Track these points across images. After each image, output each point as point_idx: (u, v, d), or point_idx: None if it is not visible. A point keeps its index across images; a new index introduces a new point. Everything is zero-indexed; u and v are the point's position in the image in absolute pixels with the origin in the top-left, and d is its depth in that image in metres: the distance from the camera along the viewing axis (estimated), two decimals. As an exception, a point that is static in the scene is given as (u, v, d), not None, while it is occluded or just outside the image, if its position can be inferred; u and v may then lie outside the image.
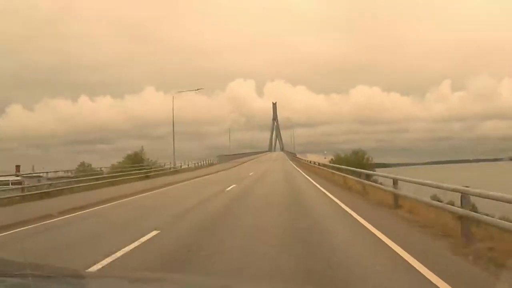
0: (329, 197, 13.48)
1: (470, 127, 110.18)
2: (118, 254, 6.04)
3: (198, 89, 41.79)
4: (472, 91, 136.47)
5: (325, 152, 55.99)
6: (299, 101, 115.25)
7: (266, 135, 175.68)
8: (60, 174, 23.40)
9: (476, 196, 6.00)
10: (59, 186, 19.09)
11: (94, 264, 5.39)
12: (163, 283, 2.06)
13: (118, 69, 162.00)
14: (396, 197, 9.94)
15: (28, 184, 18.63)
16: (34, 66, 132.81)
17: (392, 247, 5.83)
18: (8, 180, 22.99)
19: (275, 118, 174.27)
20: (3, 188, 17.68)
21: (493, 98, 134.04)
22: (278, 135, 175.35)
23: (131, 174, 26.03)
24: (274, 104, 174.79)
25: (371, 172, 17.74)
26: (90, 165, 32.33)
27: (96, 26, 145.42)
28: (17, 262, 2.04)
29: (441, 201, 8.86)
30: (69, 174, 24.06)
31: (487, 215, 6.77)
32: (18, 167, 28.54)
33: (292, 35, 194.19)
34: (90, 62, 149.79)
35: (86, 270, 3.96)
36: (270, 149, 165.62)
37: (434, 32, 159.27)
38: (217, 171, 35.09)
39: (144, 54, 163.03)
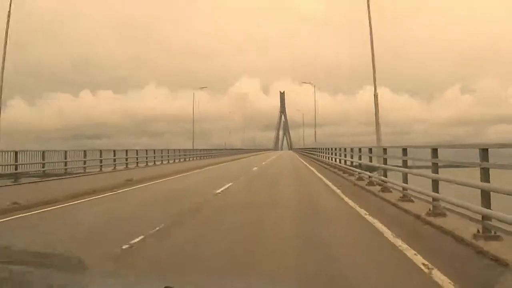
0: None
1: (477, 131, 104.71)
2: None
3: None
4: (481, 94, 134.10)
5: None
6: (305, 101, 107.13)
7: (273, 134, 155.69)
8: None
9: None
10: None
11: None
12: (166, 275, 2.41)
13: (122, 68, 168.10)
14: None
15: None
16: (36, 63, 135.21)
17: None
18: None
19: (282, 110, 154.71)
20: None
21: (502, 102, 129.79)
22: (286, 132, 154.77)
23: None
24: (282, 94, 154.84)
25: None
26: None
27: (99, 27, 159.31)
28: (19, 251, 2.27)
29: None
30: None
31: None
32: None
33: (300, 36, 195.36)
34: (95, 61, 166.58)
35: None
36: (276, 147, 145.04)
37: (441, 33, 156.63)
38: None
39: (147, 53, 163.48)
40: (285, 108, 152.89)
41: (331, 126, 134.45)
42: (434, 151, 7.07)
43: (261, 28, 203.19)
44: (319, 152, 32.50)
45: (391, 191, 10.11)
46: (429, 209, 6.91)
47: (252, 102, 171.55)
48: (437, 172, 7.05)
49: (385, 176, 11.01)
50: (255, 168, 23.57)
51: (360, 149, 15.29)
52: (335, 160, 21.71)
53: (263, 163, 31.75)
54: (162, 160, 30.66)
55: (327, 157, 25.63)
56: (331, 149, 24.18)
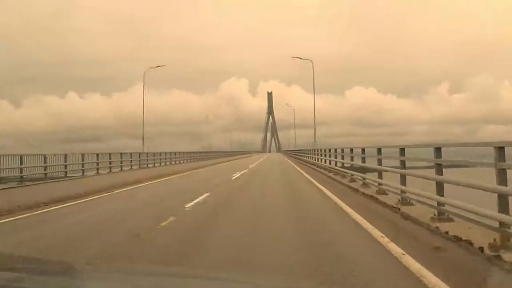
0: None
1: (471, 131, 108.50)
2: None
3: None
4: (473, 93, 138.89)
5: None
6: (293, 101, 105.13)
7: (260, 136, 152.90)
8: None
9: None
10: None
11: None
12: (158, 277, 2.03)
13: (109, 65, 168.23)
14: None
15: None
16: (25, 61, 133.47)
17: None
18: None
19: (270, 112, 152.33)
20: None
21: (495, 101, 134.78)
22: (275, 133, 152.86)
23: None
24: (270, 94, 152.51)
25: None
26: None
27: (90, 21, 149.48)
28: (8, 255, 2.22)
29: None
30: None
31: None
32: None
33: (288, 33, 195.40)
34: (84, 57, 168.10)
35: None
36: (264, 149, 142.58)
37: (434, 32, 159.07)
38: None
39: (138, 51, 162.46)
40: (272, 109, 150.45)
41: (320, 126, 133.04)
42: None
43: (252, 25, 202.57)
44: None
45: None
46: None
47: (240, 103, 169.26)
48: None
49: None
50: (192, 203, 9.54)
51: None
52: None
53: (233, 176, 19.00)
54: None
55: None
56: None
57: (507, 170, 4.88)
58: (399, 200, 8.68)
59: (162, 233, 6.45)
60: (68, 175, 20.58)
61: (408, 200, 8.53)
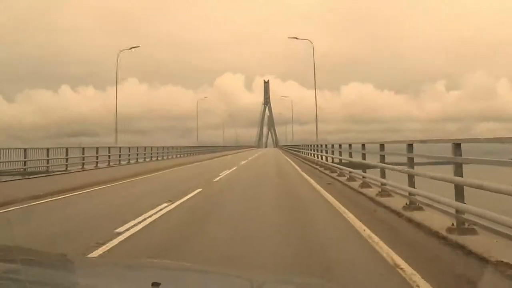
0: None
1: (465, 128, 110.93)
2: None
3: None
4: (468, 91, 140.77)
5: None
6: (289, 97, 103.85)
7: (256, 131, 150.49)
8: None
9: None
10: None
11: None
12: (155, 270, 2.04)
13: (104, 62, 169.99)
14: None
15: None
16: (17, 57, 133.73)
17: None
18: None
19: (266, 102, 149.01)
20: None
21: (490, 99, 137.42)
22: (272, 127, 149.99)
23: None
24: (266, 83, 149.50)
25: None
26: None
27: (83, 18, 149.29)
28: (4, 246, 2.11)
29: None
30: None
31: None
32: None
33: (284, 29, 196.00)
34: (77, 55, 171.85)
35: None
36: (260, 144, 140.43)
37: (429, 29, 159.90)
38: None
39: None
40: (269, 100, 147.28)
41: (313, 123, 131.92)
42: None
43: (247, 22, 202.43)
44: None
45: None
46: None
47: (236, 98, 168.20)
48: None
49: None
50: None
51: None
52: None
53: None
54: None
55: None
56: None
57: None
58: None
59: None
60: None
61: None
